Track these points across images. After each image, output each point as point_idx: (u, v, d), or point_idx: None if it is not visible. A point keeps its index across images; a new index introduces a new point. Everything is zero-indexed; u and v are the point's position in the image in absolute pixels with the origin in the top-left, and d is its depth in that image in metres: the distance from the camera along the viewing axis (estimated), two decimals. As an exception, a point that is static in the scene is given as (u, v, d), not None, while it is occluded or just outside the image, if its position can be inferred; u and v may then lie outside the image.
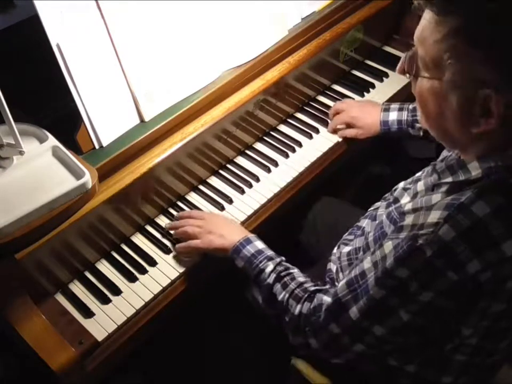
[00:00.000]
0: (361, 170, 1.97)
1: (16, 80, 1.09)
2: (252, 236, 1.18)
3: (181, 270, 1.22)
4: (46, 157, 1.07)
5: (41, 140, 1.10)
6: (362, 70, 1.75)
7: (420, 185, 1.01)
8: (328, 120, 1.57)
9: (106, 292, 1.19)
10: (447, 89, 0.85)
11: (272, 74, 1.42)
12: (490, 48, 0.79)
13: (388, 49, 1.83)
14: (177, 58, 1.26)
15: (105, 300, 1.17)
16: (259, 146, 1.51)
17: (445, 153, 1.06)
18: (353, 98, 1.64)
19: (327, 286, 1.09)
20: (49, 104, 1.21)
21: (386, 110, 1.45)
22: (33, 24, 1.07)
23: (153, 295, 1.18)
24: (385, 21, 1.74)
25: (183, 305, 1.22)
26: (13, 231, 0.96)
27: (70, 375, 1.05)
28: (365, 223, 1.23)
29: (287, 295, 1.06)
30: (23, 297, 1.07)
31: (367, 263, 0.94)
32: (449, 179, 0.91)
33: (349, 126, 1.50)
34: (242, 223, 1.32)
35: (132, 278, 1.21)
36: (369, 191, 1.38)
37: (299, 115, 1.60)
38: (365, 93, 1.66)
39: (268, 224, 1.35)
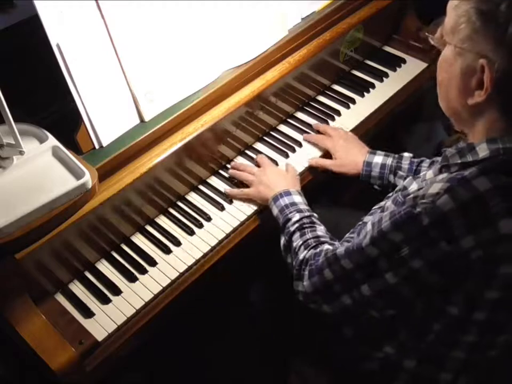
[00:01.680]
0: (364, 182, 1.97)
1: (16, 80, 1.09)
2: (293, 190, 1.27)
3: (181, 270, 1.22)
4: (46, 157, 1.07)
5: (41, 140, 1.10)
6: (362, 70, 1.75)
7: (429, 174, 1.01)
8: (329, 121, 1.57)
9: (106, 292, 1.19)
10: (455, 55, 0.89)
11: (272, 74, 1.42)
12: (489, 21, 0.82)
13: (388, 49, 1.83)
14: (177, 58, 1.26)
15: (105, 300, 1.17)
16: (259, 146, 1.51)
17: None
18: (353, 99, 1.64)
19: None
20: (49, 104, 1.21)
21: (373, 153, 1.40)
22: (33, 24, 1.07)
23: (153, 295, 1.18)
24: (385, 21, 1.74)
25: (183, 305, 1.22)
26: (13, 231, 0.96)
27: (70, 375, 1.05)
28: (369, 218, 1.23)
29: (300, 242, 1.13)
30: (23, 297, 1.07)
31: (369, 226, 0.97)
32: (458, 161, 0.91)
33: (327, 154, 1.47)
34: (242, 223, 1.32)
35: (132, 278, 1.21)
36: (369, 194, 1.38)
37: (299, 115, 1.60)
38: (365, 93, 1.66)
39: (267, 224, 1.35)
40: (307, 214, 1.19)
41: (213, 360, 1.49)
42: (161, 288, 1.19)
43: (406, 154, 1.38)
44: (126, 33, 1.18)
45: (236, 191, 1.36)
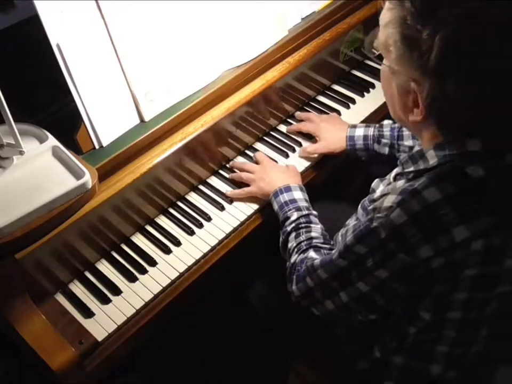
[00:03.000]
0: (360, 170, 1.97)
1: (16, 80, 1.09)
2: (293, 185, 1.26)
3: (181, 270, 1.22)
4: (46, 157, 1.07)
5: (41, 140, 1.10)
6: (362, 70, 1.74)
7: (392, 175, 1.03)
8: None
9: (106, 292, 1.19)
10: (390, 74, 0.91)
11: (272, 74, 1.42)
12: (413, 48, 0.83)
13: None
14: (177, 58, 1.26)
15: (105, 300, 1.17)
16: (259, 146, 1.51)
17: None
18: (353, 99, 1.64)
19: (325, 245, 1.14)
20: (49, 104, 1.21)
21: (353, 127, 1.42)
22: (33, 24, 1.07)
23: (153, 295, 1.18)
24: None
25: (183, 305, 1.22)
26: (13, 231, 0.96)
27: (70, 375, 1.05)
28: (351, 219, 1.24)
29: (294, 244, 1.14)
30: (23, 297, 1.07)
31: (339, 237, 1.01)
32: (411, 168, 0.94)
33: (312, 138, 1.48)
34: (242, 223, 1.32)
35: (132, 278, 1.21)
36: (369, 192, 1.38)
37: (299, 115, 1.60)
38: (365, 93, 1.66)
39: (267, 223, 1.35)
40: (305, 212, 1.20)
41: (213, 360, 1.49)
42: (161, 288, 1.19)
43: (385, 121, 1.40)
44: (126, 33, 1.18)
45: (237, 191, 1.35)
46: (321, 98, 1.65)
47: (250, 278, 1.39)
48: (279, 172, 1.33)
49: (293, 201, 1.22)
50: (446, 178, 0.85)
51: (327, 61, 1.61)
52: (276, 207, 1.24)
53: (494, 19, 0.79)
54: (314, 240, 1.13)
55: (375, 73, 1.72)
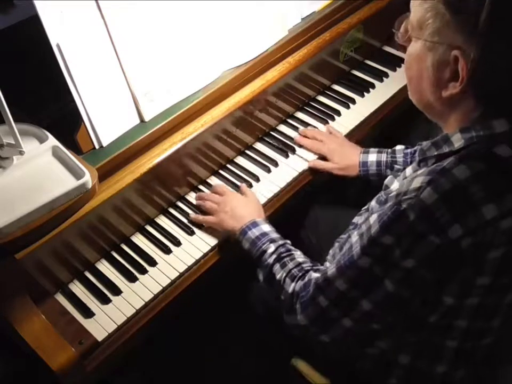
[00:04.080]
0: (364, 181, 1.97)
1: (16, 80, 1.09)
2: (259, 220, 1.21)
3: (181, 270, 1.22)
4: (46, 157, 1.07)
5: (41, 140, 1.10)
6: (362, 70, 1.74)
7: (409, 170, 1.02)
8: (329, 121, 1.57)
9: (106, 292, 1.19)
10: (425, 49, 0.90)
11: (272, 74, 1.42)
12: (459, 13, 0.83)
13: (388, 49, 1.82)
14: (177, 58, 1.26)
15: (105, 300, 1.17)
16: (259, 146, 1.51)
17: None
18: (353, 99, 1.64)
19: (320, 266, 1.10)
20: (49, 104, 1.21)
21: (366, 152, 1.41)
22: (33, 24, 1.07)
23: (153, 295, 1.18)
24: (385, 21, 1.74)
25: (183, 306, 1.22)
26: (13, 231, 0.96)
27: (70, 375, 1.05)
28: (358, 219, 1.23)
29: (284, 274, 1.09)
30: (23, 297, 1.07)
31: (354, 237, 0.96)
32: (435, 153, 0.93)
33: (323, 158, 1.46)
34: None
35: (132, 278, 1.21)
36: (369, 194, 1.38)
37: (299, 115, 1.60)
38: (365, 93, 1.66)
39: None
40: (281, 242, 1.15)
41: (213, 360, 1.49)
42: (161, 288, 1.19)
43: (398, 147, 1.39)
44: (126, 33, 1.18)
45: (200, 217, 1.30)
46: (321, 98, 1.65)
47: (250, 278, 1.39)
48: (241, 205, 1.27)
49: (264, 234, 1.17)
50: (475, 158, 0.85)
51: (327, 61, 1.61)
52: (246, 245, 1.18)
53: None
54: (304, 265, 1.09)
55: (375, 73, 1.72)
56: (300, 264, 1.09)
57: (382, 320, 0.98)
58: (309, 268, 1.08)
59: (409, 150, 1.36)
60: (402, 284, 0.90)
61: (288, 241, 1.17)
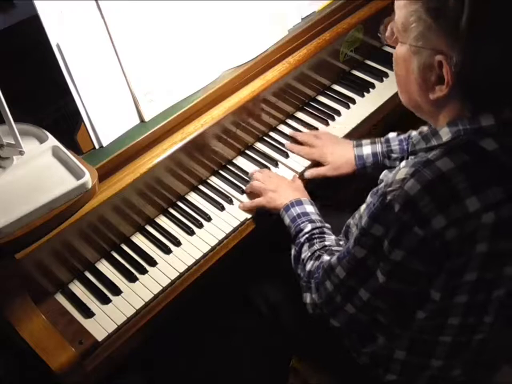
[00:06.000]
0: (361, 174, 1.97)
1: (16, 80, 1.09)
2: (304, 199, 1.25)
3: (181, 270, 1.22)
4: (46, 157, 1.07)
5: (41, 140, 1.10)
6: (362, 70, 1.74)
7: (402, 164, 1.02)
8: (329, 121, 1.57)
9: (106, 292, 1.19)
10: (411, 53, 0.90)
11: (272, 74, 1.42)
12: (440, 18, 0.83)
13: (388, 49, 1.82)
14: (177, 58, 1.26)
15: (105, 300, 1.17)
16: (259, 146, 1.51)
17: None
18: (353, 99, 1.64)
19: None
20: (49, 104, 1.21)
21: (359, 145, 1.41)
22: (33, 24, 1.07)
23: (153, 295, 1.18)
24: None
25: (183, 305, 1.22)
26: (13, 231, 0.96)
27: (70, 375, 1.05)
28: (350, 221, 1.24)
29: (308, 254, 1.13)
30: (23, 297, 1.07)
31: (353, 227, 1.00)
32: (424, 146, 0.94)
33: (318, 163, 1.45)
34: (242, 223, 1.32)
35: (132, 278, 1.21)
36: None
37: (299, 115, 1.59)
38: (365, 93, 1.66)
39: (268, 224, 1.35)
40: (319, 224, 1.18)
41: (213, 360, 1.49)
42: (161, 288, 1.19)
43: (390, 135, 1.39)
44: (126, 33, 1.18)
45: (247, 203, 1.33)
46: (321, 98, 1.65)
47: (250, 278, 1.39)
48: (287, 185, 1.32)
49: (305, 214, 1.21)
50: (460, 150, 0.86)
51: (327, 61, 1.61)
52: (287, 220, 1.23)
53: None
54: (327, 248, 1.12)
55: (375, 73, 1.72)
56: (325, 246, 1.13)
57: (383, 310, 0.99)
58: (328, 249, 1.11)
59: (403, 136, 1.36)
60: (392, 276, 0.91)
61: (327, 225, 1.20)
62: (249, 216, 1.33)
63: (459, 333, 0.96)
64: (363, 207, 1.05)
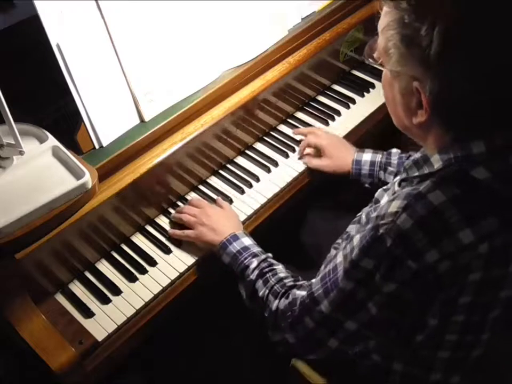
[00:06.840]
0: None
1: (16, 80, 1.09)
2: (239, 233, 1.19)
3: (181, 270, 1.22)
4: (46, 157, 1.07)
5: (41, 140, 1.10)
6: (362, 70, 1.74)
7: (396, 185, 1.02)
8: (329, 121, 1.57)
9: (106, 292, 1.19)
10: (392, 77, 0.91)
11: (272, 74, 1.43)
12: (412, 47, 0.83)
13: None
14: (177, 58, 1.26)
15: (105, 300, 1.17)
16: (259, 146, 1.51)
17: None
18: (353, 99, 1.64)
19: (302, 282, 1.10)
20: (49, 104, 1.21)
21: (361, 151, 1.40)
22: (33, 24, 1.07)
23: (153, 295, 1.18)
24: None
25: (183, 305, 1.22)
26: (13, 231, 0.96)
27: (70, 375, 1.05)
28: (351, 227, 1.23)
29: (267, 291, 1.08)
30: (23, 297, 1.07)
31: (339, 257, 0.96)
32: (416, 173, 0.93)
33: (317, 154, 1.45)
34: (242, 223, 1.31)
35: (132, 278, 1.21)
36: (369, 196, 1.38)
37: (299, 115, 1.60)
38: (365, 93, 1.66)
39: (268, 224, 1.35)
40: (263, 257, 1.14)
41: (213, 360, 1.49)
42: (161, 288, 1.19)
43: (394, 150, 1.38)
44: (126, 33, 1.18)
45: (177, 232, 1.27)
46: (321, 98, 1.65)
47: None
48: (221, 217, 1.25)
49: (246, 248, 1.15)
50: (451, 181, 0.85)
51: (327, 61, 1.61)
52: (227, 259, 1.17)
53: (491, 4, 0.79)
54: (286, 281, 1.08)
55: (375, 73, 1.72)
56: (281, 279, 1.09)
57: (368, 340, 0.98)
58: (291, 283, 1.08)
59: (404, 154, 1.35)
60: (385, 307, 0.90)
61: (270, 255, 1.16)
62: (244, 217, 1.33)
63: (457, 349, 0.95)
64: (361, 218, 1.04)
